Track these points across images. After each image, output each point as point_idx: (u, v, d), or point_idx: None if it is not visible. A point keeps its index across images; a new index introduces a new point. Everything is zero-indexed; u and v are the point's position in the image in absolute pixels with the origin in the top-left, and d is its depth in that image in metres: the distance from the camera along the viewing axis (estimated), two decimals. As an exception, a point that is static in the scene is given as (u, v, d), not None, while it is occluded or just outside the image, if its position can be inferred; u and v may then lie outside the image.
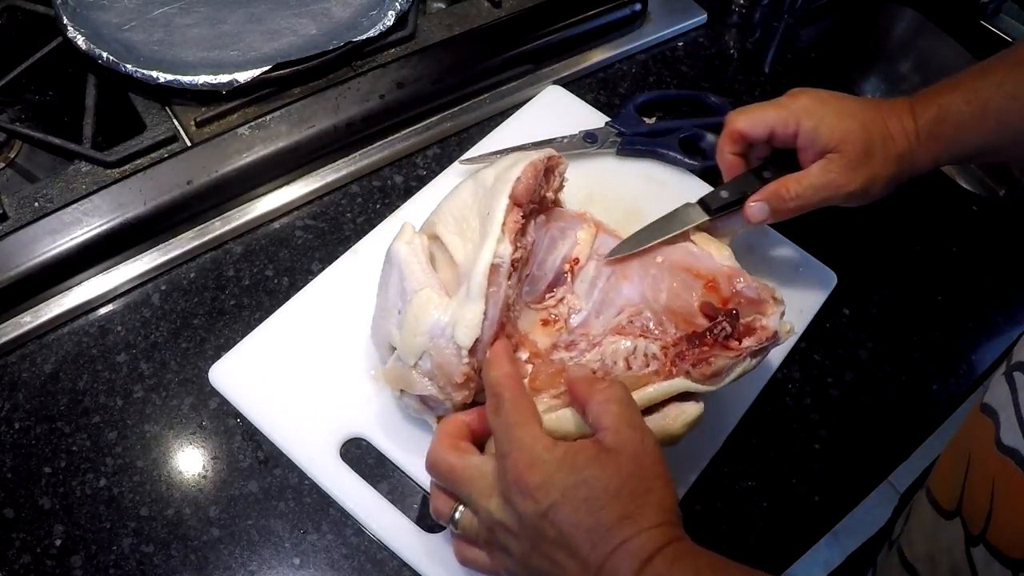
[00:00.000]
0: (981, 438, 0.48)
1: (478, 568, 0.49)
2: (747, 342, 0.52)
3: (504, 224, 0.52)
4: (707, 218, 0.61)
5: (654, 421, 0.50)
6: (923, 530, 0.55)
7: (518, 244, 0.53)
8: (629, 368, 0.52)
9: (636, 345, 0.53)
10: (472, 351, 0.50)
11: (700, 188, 0.72)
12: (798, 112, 0.60)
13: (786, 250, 0.71)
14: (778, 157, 0.63)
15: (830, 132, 0.59)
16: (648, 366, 0.52)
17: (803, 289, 0.68)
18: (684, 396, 0.51)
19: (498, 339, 0.51)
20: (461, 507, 0.48)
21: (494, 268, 0.51)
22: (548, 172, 0.58)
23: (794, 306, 0.67)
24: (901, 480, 0.71)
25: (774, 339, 0.53)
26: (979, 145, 0.59)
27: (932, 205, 0.78)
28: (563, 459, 0.43)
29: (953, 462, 0.53)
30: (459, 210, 0.55)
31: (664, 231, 0.59)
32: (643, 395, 0.50)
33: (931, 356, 0.68)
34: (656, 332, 0.54)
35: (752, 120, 0.61)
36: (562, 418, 0.49)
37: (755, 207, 0.61)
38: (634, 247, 0.58)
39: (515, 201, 0.53)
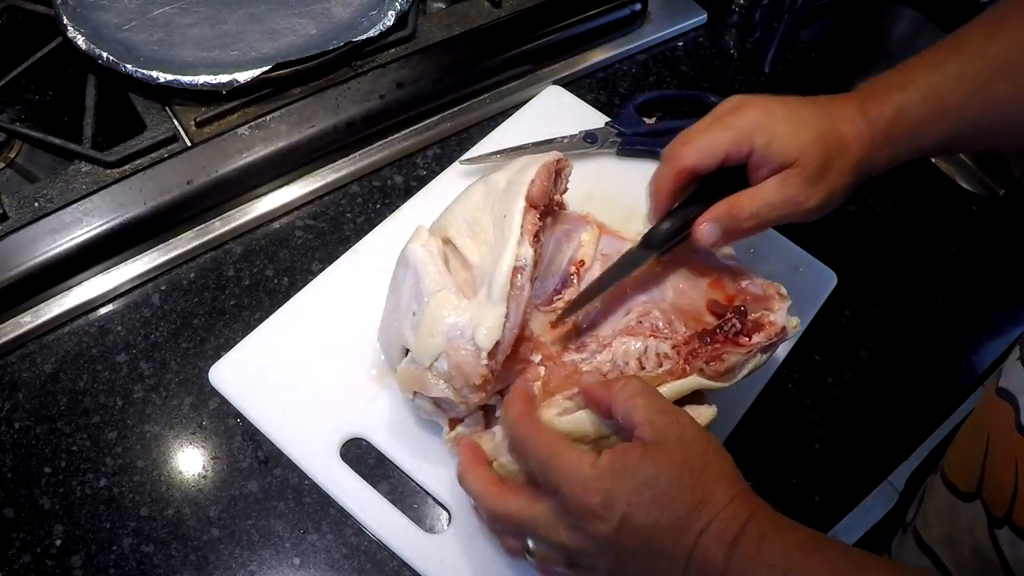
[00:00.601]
0: (1000, 422, 0.48)
1: None
2: (757, 338, 0.52)
3: (523, 226, 0.52)
4: (653, 256, 0.56)
5: None
6: (939, 513, 0.55)
7: (534, 246, 0.53)
8: (642, 368, 0.52)
9: (647, 345, 0.53)
10: (491, 353, 0.50)
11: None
12: (749, 131, 0.54)
13: (786, 250, 0.71)
14: (717, 175, 0.57)
15: (786, 148, 0.53)
16: (661, 366, 0.52)
17: (803, 289, 0.68)
18: (697, 399, 0.52)
19: (520, 379, 0.51)
20: (531, 540, 0.47)
21: (516, 271, 0.51)
22: (557, 175, 0.58)
23: (794, 306, 0.67)
24: (901, 480, 0.71)
25: (783, 334, 0.53)
26: (937, 143, 0.56)
27: (932, 205, 0.78)
28: (613, 470, 0.43)
29: (969, 445, 0.53)
30: (471, 213, 0.55)
31: (612, 280, 0.56)
32: (665, 393, 0.50)
33: (931, 356, 0.68)
34: (666, 331, 0.54)
35: (703, 152, 0.55)
36: (578, 420, 0.49)
37: (705, 228, 0.54)
38: (584, 303, 0.55)
39: (531, 203, 0.53)
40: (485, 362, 0.49)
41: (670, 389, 0.50)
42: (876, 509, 0.74)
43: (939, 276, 0.73)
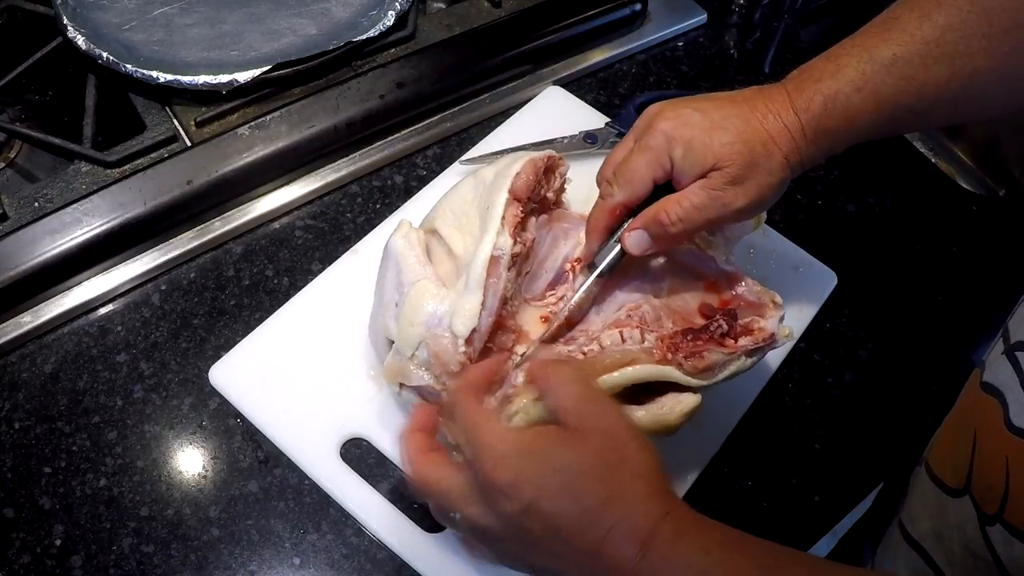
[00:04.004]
0: (987, 418, 0.48)
1: (488, 561, 0.49)
2: (743, 341, 0.52)
3: (504, 217, 0.52)
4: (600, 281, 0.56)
5: (651, 411, 0.50)
6: (926, 507, 0.55)
7: (517, 239, 0.53)
8: (623, 341, 0.52)
9: (632, 335, 0.53)
10: (468, 340, 0.50)
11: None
12: (665, 147, 0.52)
13: (786, 250, 0.71)
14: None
15: (703, 155, 0.51)
16: (643, 342, 0.52)
17: (803, 289, 0.68)
18: (682, 388, 0.52)
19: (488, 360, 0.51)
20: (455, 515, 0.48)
21: (494, 260, 0.51)
22: (548, 171, 0.58)
23: (794, 306, 0.67)
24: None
25: (771, 341, 0.53)
26: (874, 130, 0.53)
27: (932, 205, 0.78)
28: (528, 450, 0.42)
29: (955, 440, 0.53)
30: (458, 205, 0.56)
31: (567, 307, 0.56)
32: (630, 373, 0.50)
33: (931, 356, 0.68)
34: (653, 326, 0.54)
35: (630, 187, 0.54)
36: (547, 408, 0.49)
37: (633, 236, 0.53)
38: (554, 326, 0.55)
39: (514, 196, 0.54)
40: (463, 349, 0.50)
41: (645, 369, 0.50)
42: (876, 509, 0.75)
43: (939, 276, 0.73)
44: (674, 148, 0.52)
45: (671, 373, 0.51)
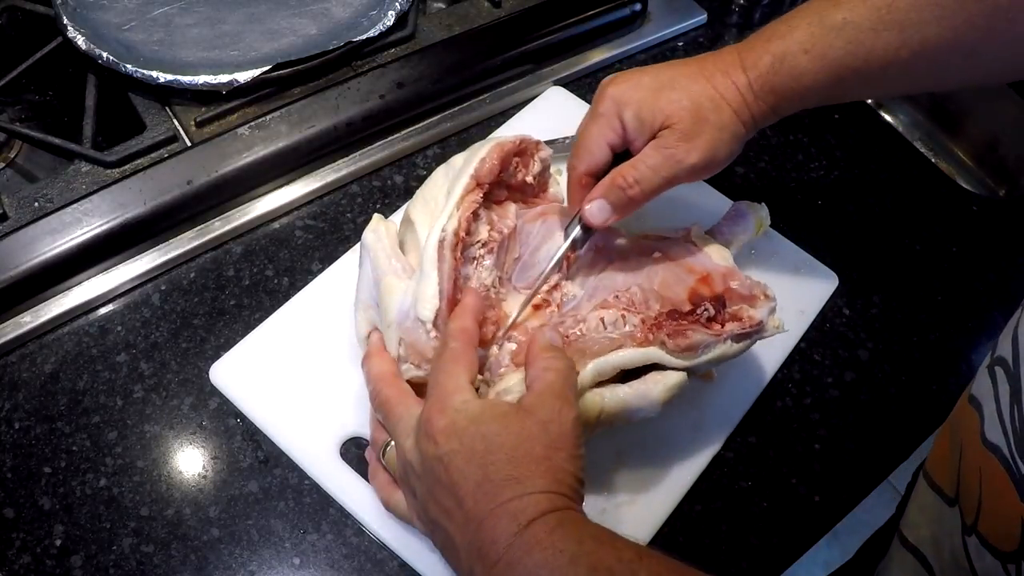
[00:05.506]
0: (969, 429, 0.49)
1: (398, 514, 0.51)
2: (730, 327, 0.52)
3: (460, 200, 0.53)
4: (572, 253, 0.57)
5: (635, 388, 0.51)
6: (926, 513, 0.55)
7: (493, 226, 0.54)
8: (604, 328, 0.52)
9: (618, 317, 0.53)
10: (435, 324, 0.50)
11: (699, 188, 0.72)
12: (614, 111, 0.54)
13: (786, 251, 0.71)
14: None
15: (652, 112, 0.53)
16: (625, 327, 0.52)
17: (803, 289, 0.68)
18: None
19: (472, 293, 0.51)
20: (392, 443, 0.49)
21: (441, 242, 0.51)
22: (523, 155, 0.58)
23: (794, 306, 0.67)
24: (901, 480, 0.71)
25: (758, 328, 0.53)
26: (820, 94, 0.54)
27: (932, 205, 0.78)
28: (471, 411, 0.44)
29: (949, 449, 0.53)
30: (430, 192, 0.57)
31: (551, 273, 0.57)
32: (615, 358, 0.51)
33: (931, 356, 0.68)
34: (640, 307, 0.54)
35: (587, 154, 0.55)
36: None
37: (592, 207, 0.54)
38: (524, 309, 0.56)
39: (477, 180, 0.54)
40: (433, 334, 0.50)
41: (628, 355, 0.51)
42: (877, 509, 0.74)
43: (939, 276, 0.73)
44: (623, 110, 0.53)
45: (655, 353, 0.51)
